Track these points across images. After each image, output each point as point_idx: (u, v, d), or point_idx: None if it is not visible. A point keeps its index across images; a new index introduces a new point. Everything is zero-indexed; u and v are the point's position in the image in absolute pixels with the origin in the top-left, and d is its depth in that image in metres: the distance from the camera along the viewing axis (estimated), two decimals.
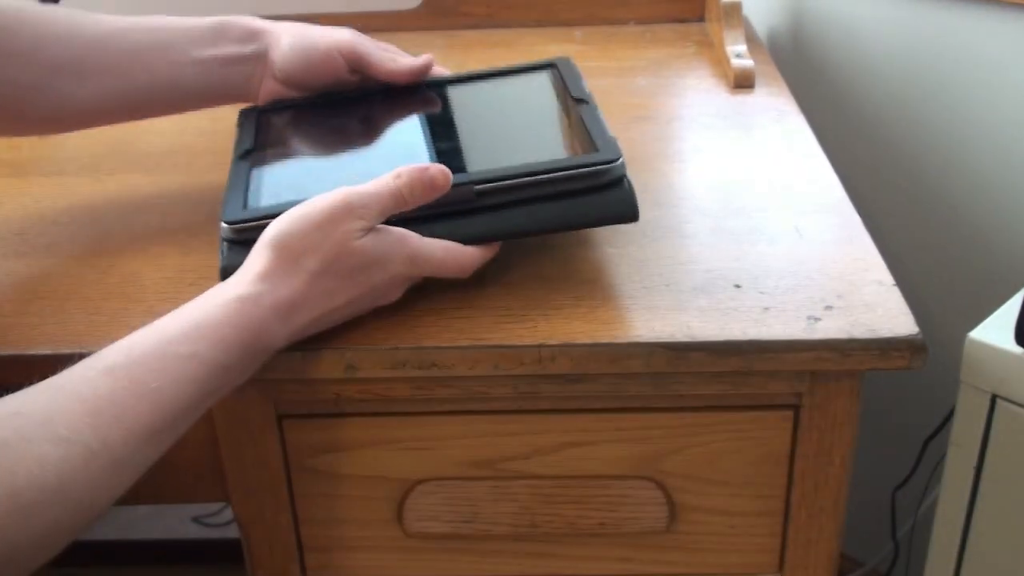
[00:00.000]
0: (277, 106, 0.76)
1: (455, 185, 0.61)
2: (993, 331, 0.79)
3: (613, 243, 0.68)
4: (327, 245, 0.56)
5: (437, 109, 0.74)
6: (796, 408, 0.63)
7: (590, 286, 0.64)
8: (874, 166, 1.16)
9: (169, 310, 0.55)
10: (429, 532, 0.68)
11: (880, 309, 0.60)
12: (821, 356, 0.58)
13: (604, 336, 0.59)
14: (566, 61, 0.77)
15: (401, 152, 0.70)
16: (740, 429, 0.64)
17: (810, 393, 0.62)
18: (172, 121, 0.92)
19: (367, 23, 0.91)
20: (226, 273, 0.60)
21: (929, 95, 1.09)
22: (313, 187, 0.61)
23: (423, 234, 0.60)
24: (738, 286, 0.63)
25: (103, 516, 0.50)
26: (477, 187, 0.61)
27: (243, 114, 0.78)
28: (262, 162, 0.70)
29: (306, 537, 0.69)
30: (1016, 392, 0.77)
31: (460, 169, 0.63)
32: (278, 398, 0.64)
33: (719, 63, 0.99)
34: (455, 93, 0.76)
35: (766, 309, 0.61)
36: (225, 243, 0.63)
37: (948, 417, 0.89)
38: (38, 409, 0.48)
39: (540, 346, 0.59)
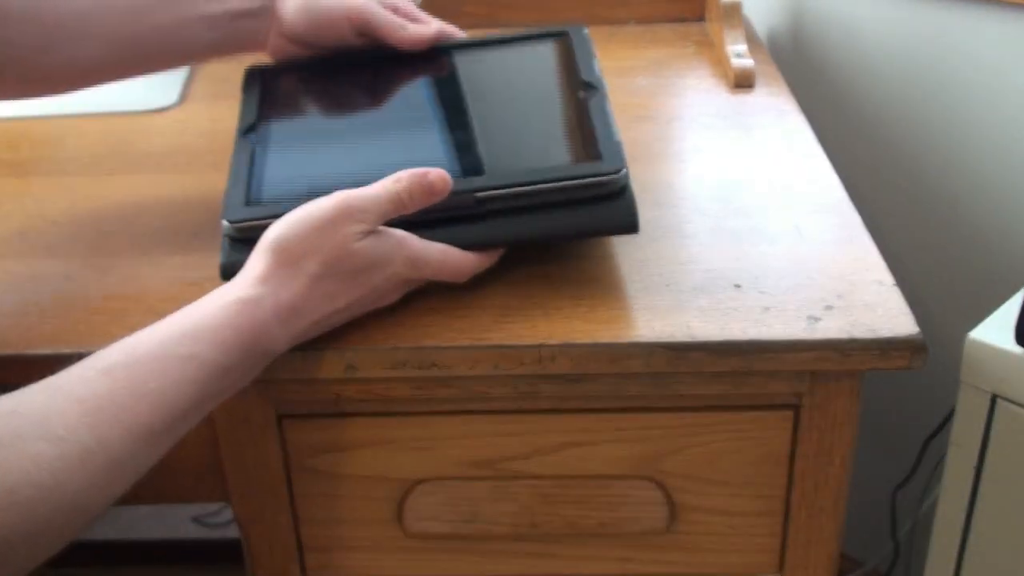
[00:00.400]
0: (283, 67, 0.75)
1: (456, 192, 0.61)
2: (993, 331, 0.79)
3: (613, 243, 0.68)
4: (327, 248, 0.57)
5: (444, 84, 0.73)
6: (796, 408, 0.63)
7: (590, 286, 0.64)
8: (874, 166, 1.16)
9: (170, 310, 0.55)
10: (429, 532, 0.68)
11: (880, 309, 0.60)
12: (821, 356, 0.58)
13: (604, 336, 0.59)
14: (579, 31, 0.75)
15: (407, 139, 0.69)
16: (740, 429, 0.64)
17: (810, 393, 0.62)
18: (172, 121, 0.93)
19: None
20: (226, 270, 0.61)
21: (929, 95, 1.09)
22: (318, 178, 0.61)
23: (424, 238, 0.60)
24: (738, 286, 0.63)
25: (101, 517, 0.50)
26: (478, 195, 0.61)
27: (248, 75, 0.77)
28: (266, 142, 0.70)
29: (306, 537, 0.69)
30: (1016, 392, 0.77)
31: (465, 164, 0.63)
32: (278, 398, 0.64)
33: (719, 63, 0.99)
34: (463, 63, 0.74)
35: (766, 309, 0.61)
36: (227, 239, 0.63)
37: (948, 417, 0.89)
38: (35, 408, 0.48)
39: (540, 346, 0.59)
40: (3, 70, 0.67)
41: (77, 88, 0.73)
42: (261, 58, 0.77)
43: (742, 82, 0.93)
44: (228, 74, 1.03)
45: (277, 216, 0.58)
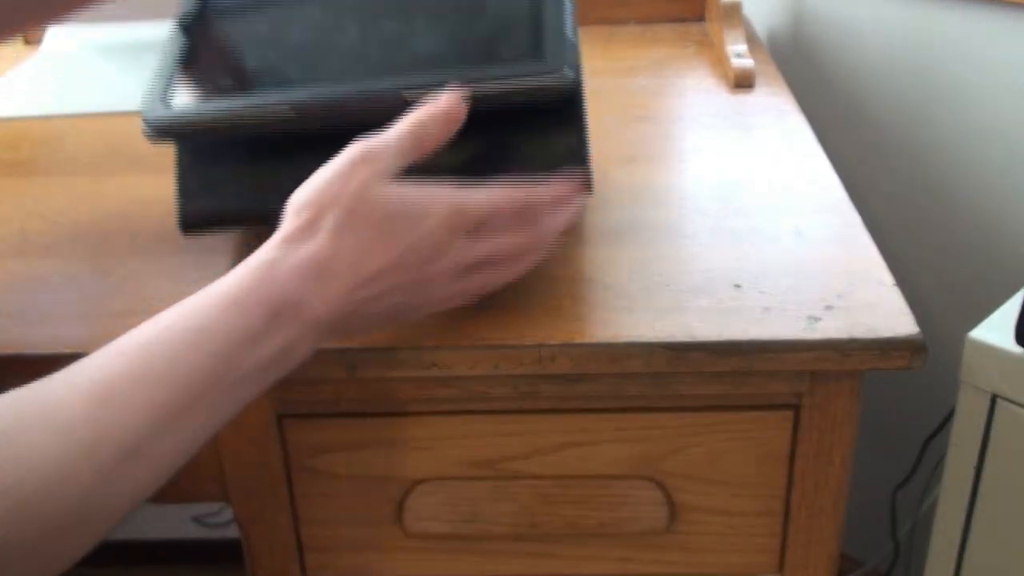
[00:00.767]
0: None
1: (381, 94, 0.56)
2: (993, 331, 0.79)
3: (613, 243, 0.68)
4: (345, 196, 0.53)
5: None
6: (796, 408, 0.63)
7: (590, 286, 0.64)
8: (874, 166, 1.16)
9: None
10: (429, 532, 0.68)
11: (880, 309, 0.60)
12: (821, 356, 0.58)
13: (604, 336, 0.59)
14: None
15: (347, 33, 0.64)
16: (740, 429, 0.64)
17: (810, 393, 0.62)
18: None
19: None
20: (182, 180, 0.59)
21: (929, 95, 1.09)
22: (242, 74, 0.57)
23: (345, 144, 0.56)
24: (738, 286, 0.63)
25: (132, 510, 0.48)
26: (406, 95, 0.56)
27: None
28: (200, 33, 0.65)
29: (306, 537, 0.69)
30: (1016, 392, 0.77)
31: (398, 60, 0.59)
32: (278, 398, 0.64)
33: (719, 63, 0.99)
34: None
35: (766, 309, 0.61)
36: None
37: (948, 417, 0.89)
38: (41, 395, 0.46)
39: (540, 346, 0.59)
40: None
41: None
42: None
43: (742, 82, 0.93)
44: None
45: (196, 115, 0.55)
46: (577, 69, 0.58)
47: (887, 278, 0.63)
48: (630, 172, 0.78)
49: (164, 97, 0.60)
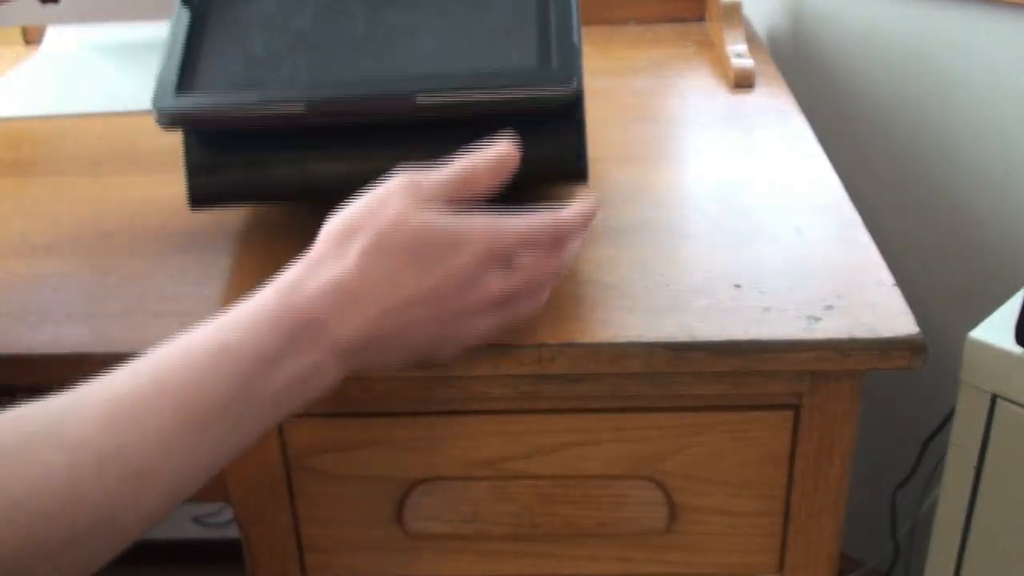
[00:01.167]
0: None
1: (395, 96, 0.56)
2: (993, 331, 0.79)
3: (613, 243, 0.68)
4: (381, 221, 0.51)
5: None
6: (796, 408, 0.63)
7: (590, 286, 0.64)
8: (874, 166, 1.16)
9: (170, 310, 0.55)
10: (429, 532, 0.68)
11: (880, 309, 0.60)
12: (821, 356, 0.58)
13: (604, 336, 0.59)
14: None
15: (363, 26, 0.62)
16: (740, 429, 0.64)
17: (810, 393, 0.62)
18: None
19: None
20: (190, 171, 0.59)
21: (929, 95, 1.09)
22: (261, 61, 0.56)
23: (360, 154, 0.56)
24: (738, 286, 0.63)
25: (146, 531, 0.46)
26: (420, 99, 0.56)
27: None
28: (209, 10, 0.64)
29: (306, 537, 0.69)
30: (1016, 392, 0.77)
31: (407, 59, 0.58)
32: None
33: (719, 63, 0.99)
34: None
35: (766, 309, 0.61)
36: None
37: (948, 417, 0.89)
38: (51, 412, 0.45)
39: (540, 346, 0.59)
40: None
41: None
42: None
43: (742, 82, 0.93)
44: None
45: (208, 107, 0.55)
46: (581, 75, 0.58)
47: (887, 278, 0.63)
48: (630, 172, 0.78)
49: (175, 84, 0.59)
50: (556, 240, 0.56)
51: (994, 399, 0.78)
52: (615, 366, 0.59)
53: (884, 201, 1.16)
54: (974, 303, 1.10)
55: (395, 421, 0.65)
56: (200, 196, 0.64)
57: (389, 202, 0.52)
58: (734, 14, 0.99)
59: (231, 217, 0.74)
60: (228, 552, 1.44)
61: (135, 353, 0.49)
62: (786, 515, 0.67)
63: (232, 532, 1.43)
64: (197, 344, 0.48)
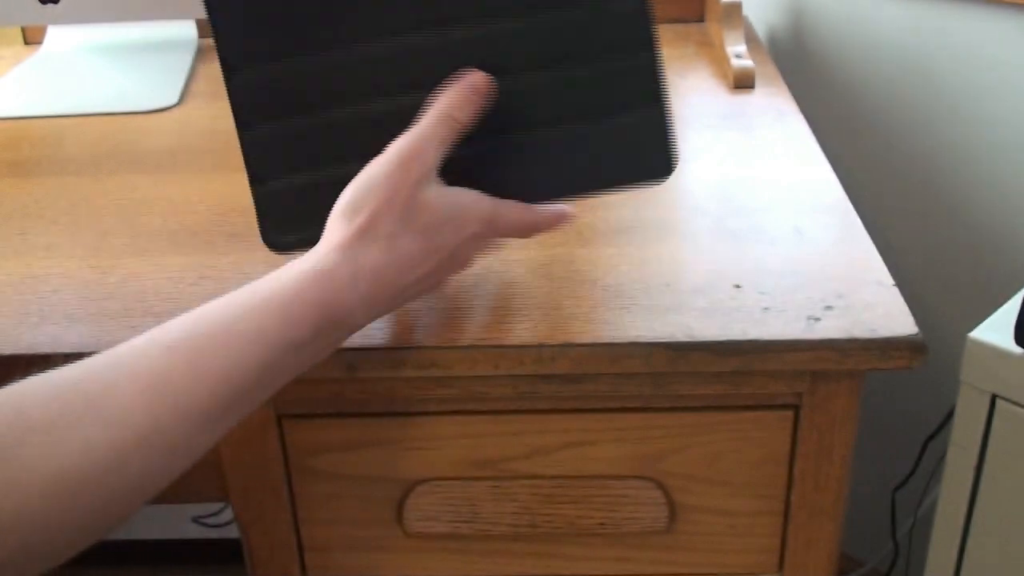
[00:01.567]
0: None
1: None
2: (993, 331, 0.79)
3: (613, 243, 0.68)
4: (399, 201, 0.54)
5: None
6: (796, 408, 0.63)
7: (590, 286, 0.64)
8: (874, 166, 1.16)
9: (169, 310, 0.55)
10: (429, 532, 0.68)
11: (880, 309, 0.60)
12: (821, 356, 0.58)
13: (604, 336, 0.59)
14: None
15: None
16: (740, 429, 0.64)
17: (810, 393, 0.62)
18: (172, 121, 0.93)
19: None
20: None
21: (929, 95, 1.09)
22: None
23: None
24: (738, 286, 0.63)
25: (159, 493, 0.49)
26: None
27: None
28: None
29: (306, 537, 0.69)
30: (1016, 392, 0.77)
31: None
32: (278, 398, 0.63)
33: (719, 63, 0.99)
34: None
35: (766, 309, 0.61)
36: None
37: (948, 417, 0.89)
38: (93, 387, 0.46)
39: (540, 346, 0.59)
40: None
41: None
42: None
43: (742, 82, 0.93)
44: None
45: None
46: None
47: (887, 278, 0.63)
48: None
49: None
50: (532, 233, 0.60)
51: (994, 399, 0.78)
52: (615, 366, 0.59)
53: (884, 201, 1.16)
54: (974, 303, 1.10)
55: (395, 421, 0.65)
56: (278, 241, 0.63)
57: (404, 179, 0.54)
58: (734, 14, 0.99)
59: (231, 217, 0.74)
60: (228, 552, 1.44)
61: None
62: (786, 515, 0.67)
63: (232, 532, 1.43)
64: (236, 327, 0.49)
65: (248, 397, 0.50)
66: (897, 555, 1.23)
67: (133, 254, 0.70)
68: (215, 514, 1.53)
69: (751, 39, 1.02)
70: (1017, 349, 0.76)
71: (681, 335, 0.59)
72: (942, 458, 0.85)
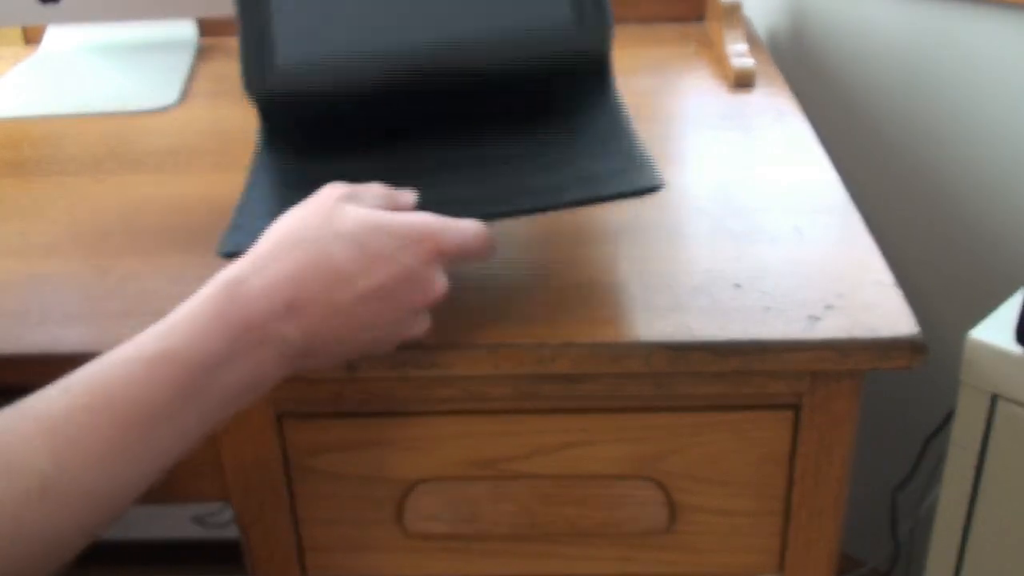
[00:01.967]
0: None
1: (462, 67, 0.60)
2: (993, 331, 0.79)
3: (613, 243, 0.68)
4: (321, 212, 0.52)
5: None
6: (796, 408, 0.63)
7: (590, 286, 0.64)
8: (874, 166, 1.16)
9: (170, 310, 0.55)
10: (429, 532, 0.68)
11: (880, 309, 0.60)
12: (821, 356, 0.58)
13: (604, 336, 0.59)
14: None
15: None
16: (740, 429, 0.64)
17: (810, 393, 0.62)
18: (172, 121, 0.93)
19: None
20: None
21: (929, 95, 1.09)
22: (346, 29, 0.58)
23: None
24: (738, 286, 0.63)
25: (90, 542, 0.45)
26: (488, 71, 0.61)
27: None
28: None
29: (306, 537, 0.69)
30: (1016, 392, 0.77)
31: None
32: (278, 398, 0.64)
33: (719, 63, 0.99)
34: None
35: (766, 309, 0.61)
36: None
37: (948, 417, 0.89)
38: None
39: (540, 346, 0.59)
40: None
41: None
42: None
43: (742, 82, 0.93)
44: (228, 73, 1.03)
45: (295, 93, 0.57)
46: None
47: (887, 278, 0.63)
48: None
49: (263, 65, 0.62)
50: (488, 251, 0.56)
51: (994, 399, 0.78)
52: (615, 366, 0.59)
53: (884, 201, 1.16)
54: (974, 303, 1.10)
55: (395, 421, 0.65)
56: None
57: (332, 204, 0.52)
58: (734, 14, 0.99)
59: (231, 217, 0.74)
60: (228, 552, 1.44)
61: None
62: (786, 515, 0.67)
63: (232, 532, 1.43)
64: (138, 352, 0.46)
65: (169, 421, 0.46)
66: (897, 555, 1.23)
67: (133, 254, 0.70)
68: (215, 514, 1.53)
69: (751, 39, 1.02)
70: (1017, 349, 0.76)
71: (681, 335, 0.59)
72: (942, 458, 0.85)
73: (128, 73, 1.03)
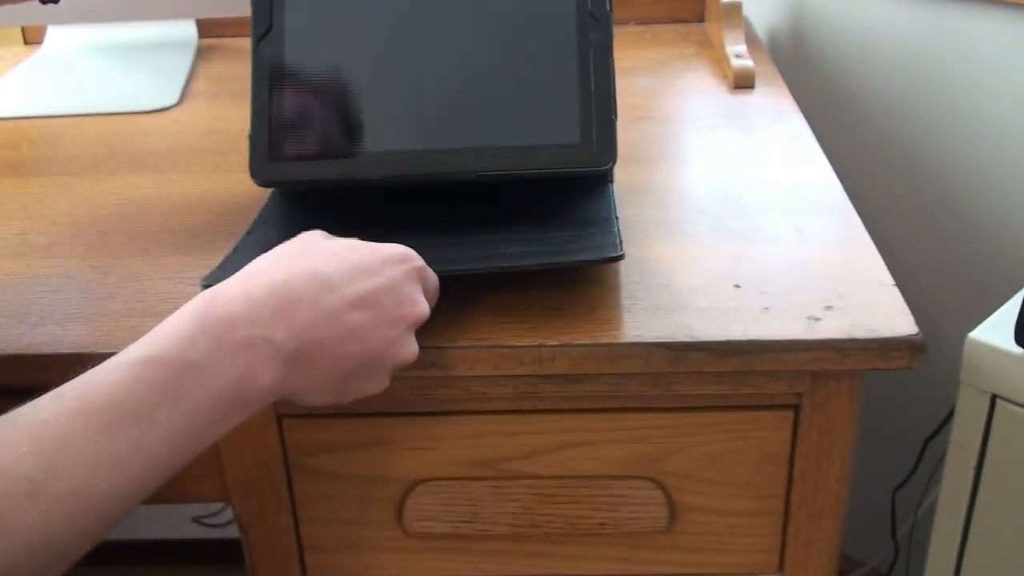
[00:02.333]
0: None
1: (459, 173, 0.63)
2: (993, 331, 0.79)
3: None
4: (311, 243, 0.54)
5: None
6: (796, 408, 0.63)
7: (590, 286, 0.64)
8: (874, 166, 1.16)
9: (170, 310, 0.55)
10: (429, 532, 0.68)
11: (880, 309, 0.60)
12: (821, 356, 0.58)
13: (604, 336, 0.59)
14: None
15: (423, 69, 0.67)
16: (740, 429, 0.64)
17: (810, 393, 0.62)
18: (172, 121, 0.93)
19: None
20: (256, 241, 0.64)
21: (929, 95, 1.09)
22: (339, 121, 0.62)
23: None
24: (738, 286, 0.63)
25: (86, 551, 0.45)
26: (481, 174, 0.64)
27: None
28: (282, 55, 0.67)
29: (306, 537, 0.69)
30: (1016, 392, 0.77)
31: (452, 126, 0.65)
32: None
33: (719, 63, 0.99)
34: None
35: (766, 309, 0.61)
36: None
37: (948, 417, 0.89)
38: None
39: (540, 346, 0.59)
40: None
41: None
42: None
43: (742, 82, 0.93)
44: (228, 74, 1.03)
45: (301, 182, 0.60)
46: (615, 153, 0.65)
47: (887, 278, 0.63)
48: (630, 172, 0.78)
49: (272, 154, 0.66)
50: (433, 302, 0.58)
51: (994, 399, 0.78)
52: (615, 366, 0.59)
53: (884, 201, 1.16)
54: (974, 303, 1.10)
55: (395, 421, 0.65)
56: None
57: (311, 236, 0.55)
58: (734, 14, 0.99)
59: (231, 217, 0.74)
60: (228, 552, 1.44)
61: None
62: (786, 515, 0.67)
63: (232, 532, 1.43)
64: (124, 358, 0.47)
65: (156, 427, 0.46)
66: (897, 555, 1.23)
67: (133, 254, 0.70)
68: (215, 514, 1.53)
69: (751, 39, 1.03)
70: (1017, 349, 0.76)
71: (681, 335, 0.59)
72: (942, 458, 0.85)
73: (128, 73, 1.03)
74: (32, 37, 1.14)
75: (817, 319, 0.60)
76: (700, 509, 0.67)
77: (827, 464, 0.64)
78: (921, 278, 1.17)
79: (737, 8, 0.99)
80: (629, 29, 1.10)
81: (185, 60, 1.05)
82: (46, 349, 0.60)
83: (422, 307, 0.55)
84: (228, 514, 1.44)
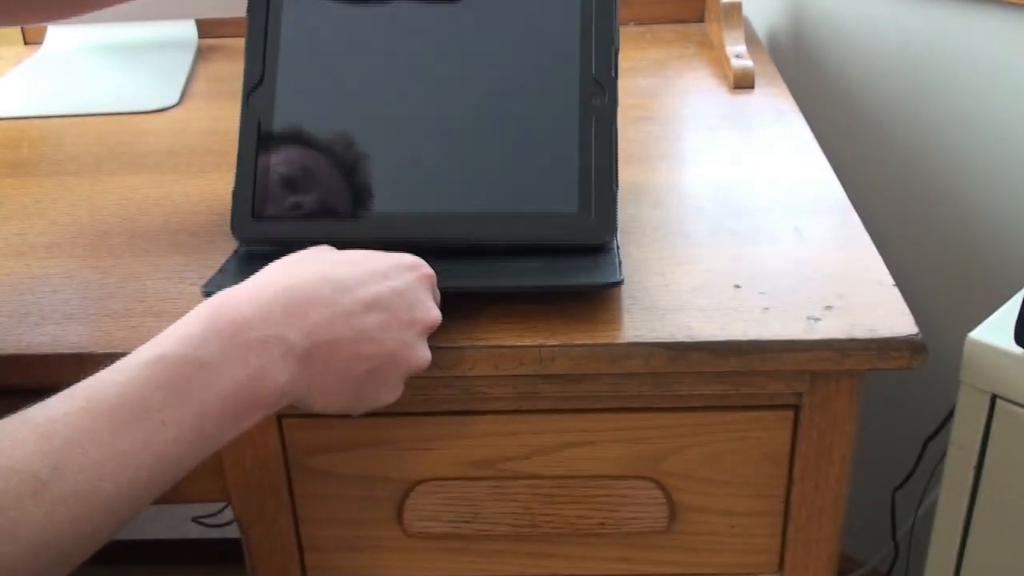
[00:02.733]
0: None
1: (452, 239, 0.63)
2: (993, 331, 0.78)
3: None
4: (319, 251, 0.56)
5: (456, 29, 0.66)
6: (796, 408, 0.63)
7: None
8: (874, 166, 1.16)
9: (169, 310, 0.55)
10: (429, 532, 0.68)
11: (880, 309, 0.60)
12: (821, 356, 0.58)
13: (604, 336, 0.59)
14: None
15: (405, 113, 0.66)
16: (740, 429, 0.64)
17: (810, 393, 0.62)
18: (172, 121, 0.93)
19: None
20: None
21: (929, 95, 1.09)
22: (327, 179, 0.60)
23: None
24: (738, 286, 0.63)
25: (92, 552, 0.45)
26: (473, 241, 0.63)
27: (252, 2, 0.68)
28: (272, 107, 0.65)
29: (306, 537, 0.69)
30: (1016, 392, 0.77)
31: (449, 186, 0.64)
32: None
33: (719, 63, 0.99)
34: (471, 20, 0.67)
35: (766, 309, 0.61)
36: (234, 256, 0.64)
37: (948, 417, 0.89)
38: None
39: (540, 346, 0.59)
40: None
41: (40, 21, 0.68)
42: None
43: (742, 82, 0.93)
44: (228, 74, 1.03)
45: (285, 241, 0.58)
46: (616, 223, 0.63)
47: (887, 278, 0.63)
48: (630, 172, 0.78)
49: (255, 211, 0.64)
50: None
51: (994, 399, 0.78)
52: (615, 366, 0.59)
53: (884, 201, 1.16)
54: (974, 303, 1.10)
55: (395, 421, 0.65)
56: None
57: (319, 248, 0.56)
58: (734, 14, 0.99)
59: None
60: (228, 552, 1.44)
61: None
62: (786, 515, 0.67)
63: (232, 532, 1.43)
64: (134, 360, 0.46)
65: (166, 427, 0.45)
66: (897, 555, 1.23)
67: (133, 254, 0.70)
68: (215, 514, 1.53)
69: (751, 39, 1.03)
70: (1017, 349, 0.76)
71: (681, 335, 0.59)
72: (942, 458, 0.85)
73: (128, 73, 1.03)
74: (32, 37, 1.14)
75: (817, 319, 0.60)
76: (700, 509, 0.67)
77: (827, 464, 0.64)
78: (921, 278, 1.17)
79: (737, 8, 0.99)
80: (629, 29, 1.10)
81: (185, 60, 1.05)
82: (46, 349, 0.60)
83: (434, 313, 0.55)
84: (228, 514, 1.44)
